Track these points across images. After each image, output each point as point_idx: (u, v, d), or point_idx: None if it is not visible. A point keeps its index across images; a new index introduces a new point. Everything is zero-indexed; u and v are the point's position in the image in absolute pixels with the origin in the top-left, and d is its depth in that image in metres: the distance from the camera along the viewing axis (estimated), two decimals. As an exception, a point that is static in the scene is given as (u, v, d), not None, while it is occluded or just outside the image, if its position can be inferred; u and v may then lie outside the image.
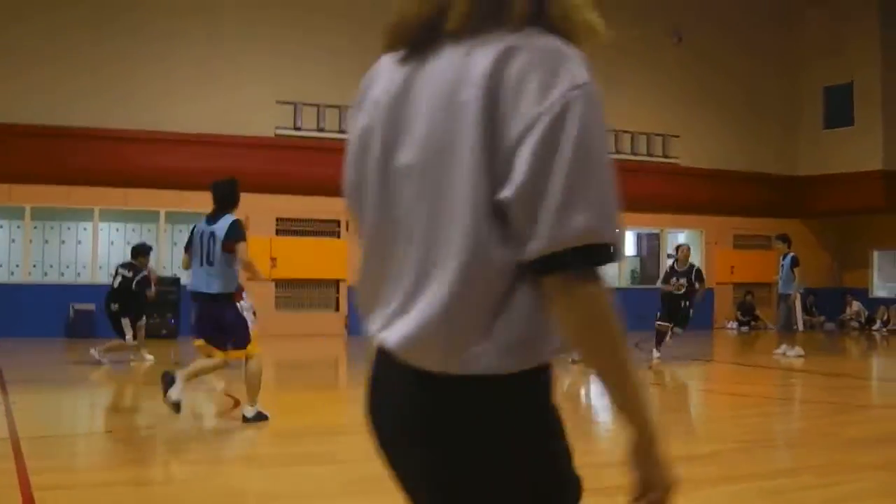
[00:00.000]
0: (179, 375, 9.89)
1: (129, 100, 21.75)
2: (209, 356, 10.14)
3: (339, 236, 23.75)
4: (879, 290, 30.41)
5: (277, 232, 23.10)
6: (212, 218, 10.11)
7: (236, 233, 9.92)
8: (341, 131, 23.63)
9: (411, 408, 2.30)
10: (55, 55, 21.19)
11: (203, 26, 22.57)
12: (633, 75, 27.47)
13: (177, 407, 9.81)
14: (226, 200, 10.31)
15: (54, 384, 13.55)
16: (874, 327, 28.00)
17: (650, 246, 29.71)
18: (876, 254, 30.78)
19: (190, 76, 22.42)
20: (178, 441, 9.66)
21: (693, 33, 28.49)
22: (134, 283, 16.29)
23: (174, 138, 21.90)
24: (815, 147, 30.25)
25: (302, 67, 23.44)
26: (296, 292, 23.29)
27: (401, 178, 2.27)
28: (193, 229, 10.27)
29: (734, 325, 27.67)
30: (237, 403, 11.30)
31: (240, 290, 10.09)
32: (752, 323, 28.07)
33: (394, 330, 2.28)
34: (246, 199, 22.09)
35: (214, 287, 9.90)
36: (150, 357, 16.29)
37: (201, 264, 9.96)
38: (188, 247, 10.27)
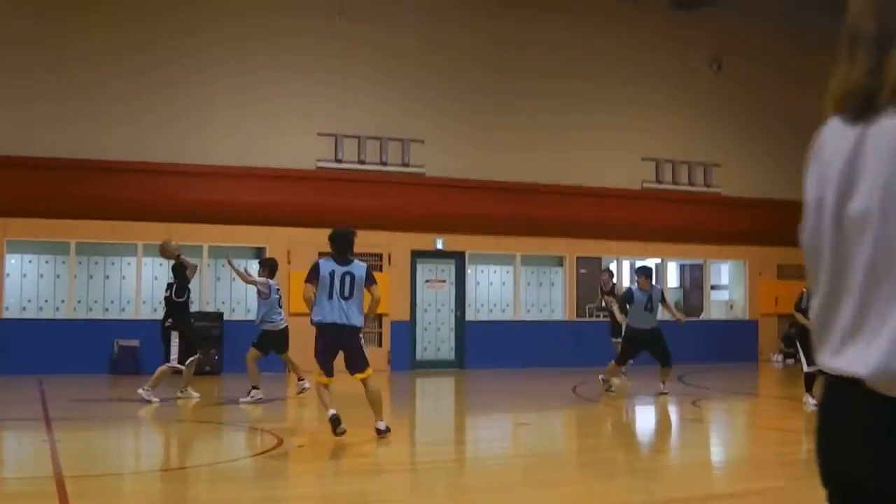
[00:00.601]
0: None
1: (170, 132, 21.91)
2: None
3: (381, 269, 23.71)
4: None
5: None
6: (344, 260, 11.96)
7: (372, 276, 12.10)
8: (382, 163, 23.72)
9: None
10: (94, 88, 21.40)
11: (243, 56, 22.72)
12: (672, 103, 27.44)
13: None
14: (350, 246, 12.40)
15: (99, 421, 13.57)
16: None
17: (693, 277, 29.49)
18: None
19: (230, 108, 22.51)
20: (224, 480, 9.63)
21: (733, 61, 28.33)
22: (173, 291, 16.30)
23: (215, 171, 21.99)
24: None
25: (341, 99, 23.51)
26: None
27: (856, 226, 2.42)
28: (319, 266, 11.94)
29: (779, 357, 27.35)
30: (280, 442, 11.27)
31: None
32: (798, 355, 27.68)
33: (861, 358, 2.36)
34: (288, 233, 22.40)
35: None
36: (195, 394, 16.25)
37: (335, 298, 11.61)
38: (314, 281, 11.76)
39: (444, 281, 24.80)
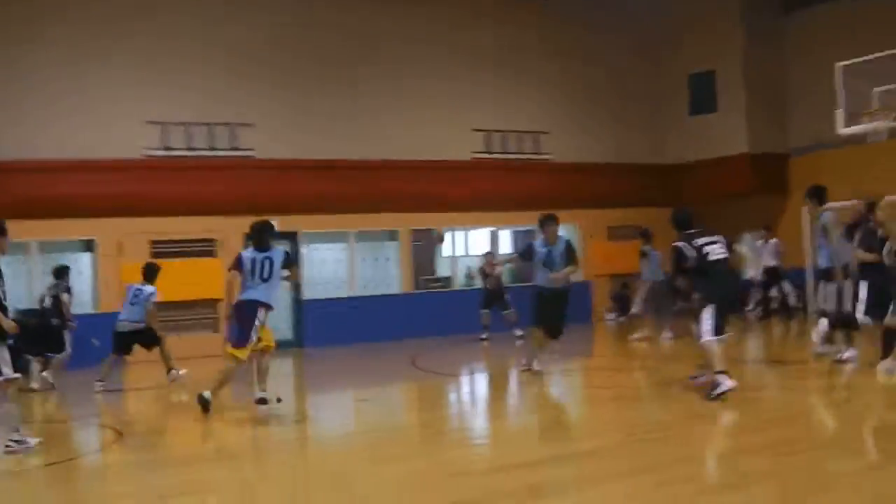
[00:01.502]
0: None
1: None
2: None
3: (215, 255, 23.46)
4: (751, 271, 31.01)
5: (153, 255, 22.66)
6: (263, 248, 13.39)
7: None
8: (211, 148, 23.42)
9: None
10: None
11: (64, 46, 22.18)
12: (501, 75, 27.75)
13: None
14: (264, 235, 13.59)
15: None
16: (748, 309, 28.54)
17: (527, 244, 29.88)
18: (747, 236, 31.38)
19: (50, 100, 21.94)
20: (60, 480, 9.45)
21: (556, 29, 28.80)
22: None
23: (37, 166, 21.43)
24: (682, 134, 30.82)
25: (168, 86, 23.12)
26: (174, 315, 22.89)
27: None
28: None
29: (613, 315, 28.03)
30: (120, 435, 11.12)
31: None
32: (629, 313, 28.41)
33: None
34: (117, 223, 21.99)
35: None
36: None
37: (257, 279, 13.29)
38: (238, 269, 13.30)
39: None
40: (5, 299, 10.68)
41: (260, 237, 13.52)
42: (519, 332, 21.43)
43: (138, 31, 22.93)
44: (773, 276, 26.06)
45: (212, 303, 23.26)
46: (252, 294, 13.31)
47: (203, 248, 23.46)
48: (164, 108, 23.02)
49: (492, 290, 23.70)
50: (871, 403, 11.84)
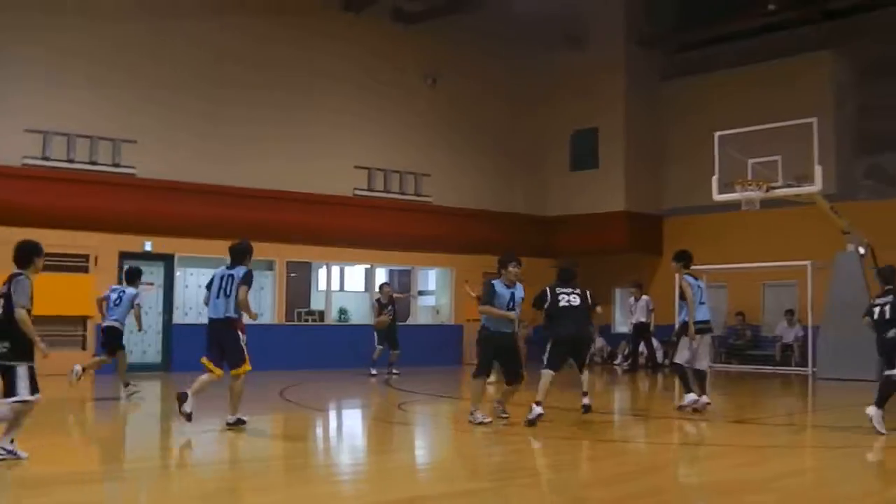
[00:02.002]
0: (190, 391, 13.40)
1: None
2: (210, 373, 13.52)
3: (87, 271, 23.12)
4: (621, 326, 31.64)
5: (22, 266, 22.24)
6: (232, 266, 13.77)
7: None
8: (92, 162, 23.12)
9: None
10: None
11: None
12: (388, 114, 28.02)
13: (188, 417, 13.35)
14: (238, 255, 14.04)
15: None
16: (616, 362, 29.10)
17: (402, 283, 30.07)
18: (618, 291, 32.02)
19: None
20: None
21: (447, 77, 29.19)
22: None
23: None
24: (562, 188, 31.38)
25: (51, 95, 22.82)
26: (42, 329, 22.33)
27: None
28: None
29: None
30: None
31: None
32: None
33: None
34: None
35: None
36: None
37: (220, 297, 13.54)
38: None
39: (152, 283, 24.40)
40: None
41: (239, 257, 13.98)
42: (396, 371, 21.72)
43: (24, 39, 22.62)
44: (642, 331, 26.53)
45: (80, 320, 22.92)
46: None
47: (76, 263, 23.12)
48: (46, 117, 22.72)
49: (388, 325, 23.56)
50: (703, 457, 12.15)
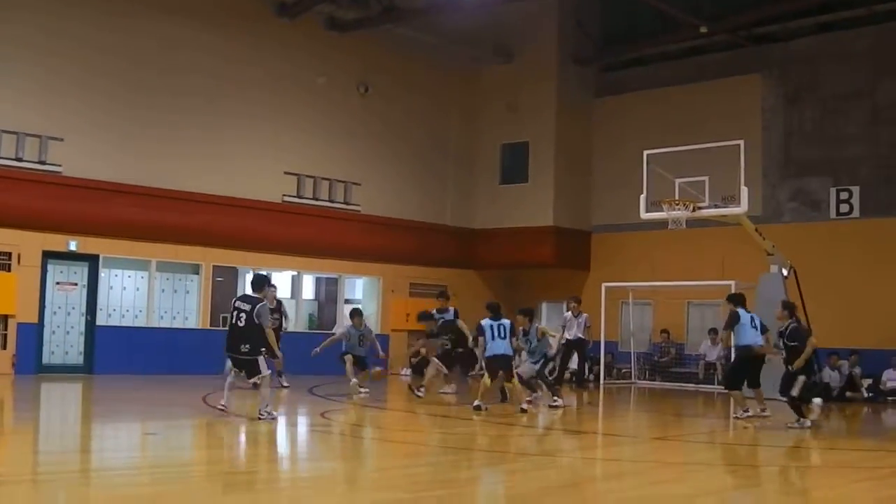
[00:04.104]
0: None
1: None
2: None
3: (9, 269, 22.76)
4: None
5: (-58, 262, 21.96)
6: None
7: None
8: (18, 159, 22.76)
9: None
10: None
11: None
12: (319, 121, 27.92)
13: None
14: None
15: None
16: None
17: (328, 291, 29.98)
18: (545, 306, 32.17)
19: None
20: None
21: (380, 86, 29.20)
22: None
23: None
24: (491, 201, 31.48)
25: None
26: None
27: None
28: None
29: (408, 371, 28.11)
30: None
31: None
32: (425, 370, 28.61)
33: None
34: None
35: None
36: None
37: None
38: None
39: (75, 284, 24.12)
40: None
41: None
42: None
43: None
44: (578, 347, 26.22)
45: (1, 318, 22.57)
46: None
47: (-1, 260, 22.77)
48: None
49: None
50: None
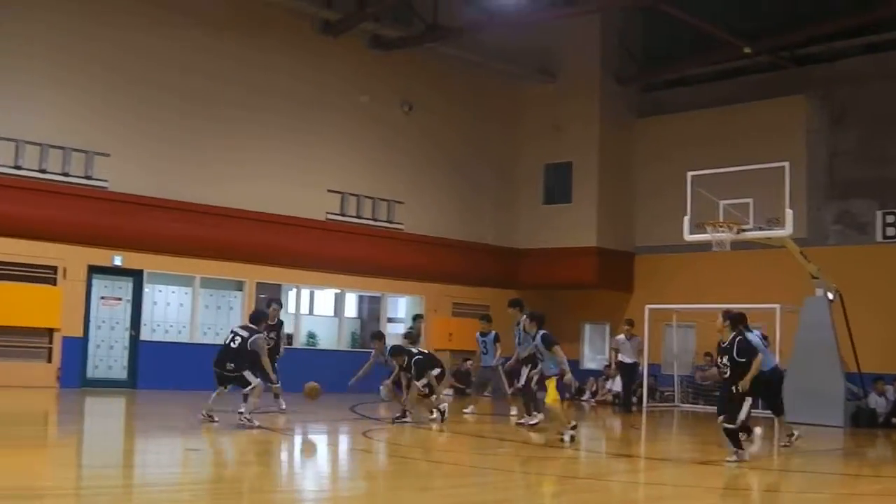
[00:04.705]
0: None
1: None
2: None
3: (55, 283, 22.96)
4: (589, 362, 31.69)
5: (-11, 275, 22.16)
6: None
7: None
8: (64, 174, 22.98)
9: None
10: None
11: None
12: (363, 140, 27.99)
13: None
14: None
15: None
16: (583, 398, 29.07)
17: (371, 309, 30.03)
18: (587, 327, 32.08)
19: None
20: None
21: (423, 104, 29.24)
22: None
23: None
24: (534, 221, 31.42)
25: (23, 103, 22.67)
26: (6, 340, 22.28)
27: None
28: None
29: (450, 392, 28.06)
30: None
31: None
32: (468, 390, 28.58)
33: None
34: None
35: None
36: None
37: None
38: None
39: (120, 299, 24.29)
40: None
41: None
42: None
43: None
44: (630, 371, 26.03)
45: (46, 332, 22.76)
46: None
47: (43, 274, 22.94)
48: (20, 126, 22.55)
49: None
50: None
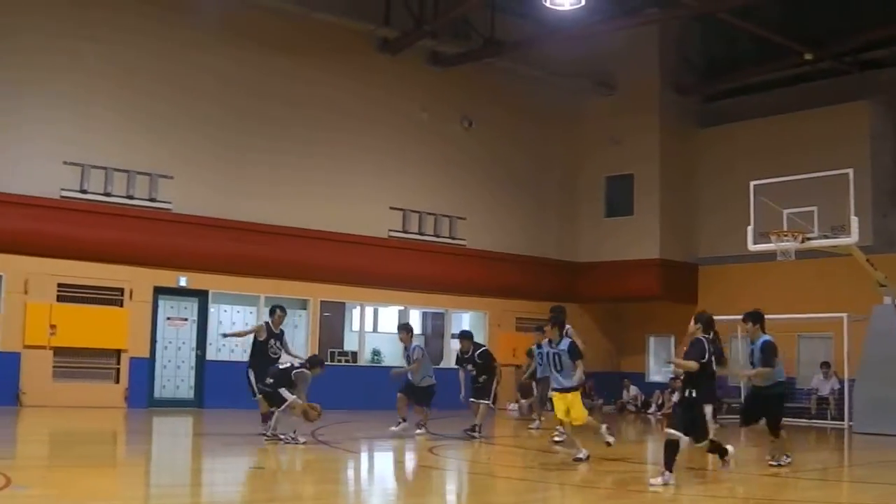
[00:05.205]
0: None
1: None
2: None
3: (122, 305, 23.23)
4: (654, 375, 31.50)
5: (59, 298, 22.43)
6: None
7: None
8: (129, 196, 23.28)
9: None
10: None
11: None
12: (423, 156, 28.07)
13: None
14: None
15: None
16: (650, 411, 28.91)
17: (435, 325, 30.05)
18: (652, 339, 31.89)
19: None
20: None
21: (483, 119, 29.27)
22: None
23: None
24: (595, 234, 31.31)
25: (89, 128, 23.00)
26: (75, 361, 22.59)
27: None
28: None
29: (515, 406, 28.02)
30: (7, 481, 10.89)
31: None
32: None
33: None
34: (26, 262, 21.71)
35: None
36: None
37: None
38: None
39: (185, 319, 24.52)
40: None
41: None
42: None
43: (64, 72, 22.83)
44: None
45: (114, 353, 23.01)
46: None
47: (110, 296, 23.23)
48: (85, 150, 22.87)
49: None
50: None
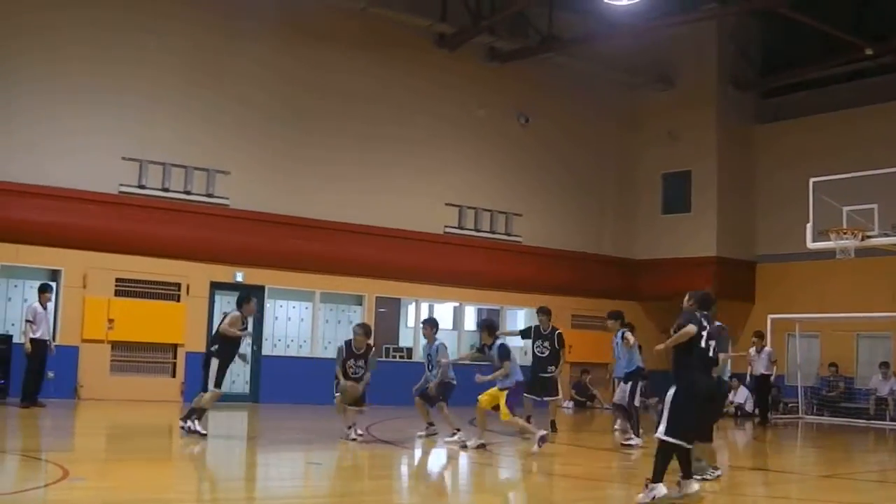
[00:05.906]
0: None
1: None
2: None
3: (178, 300, 23.38)
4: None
5: (117, 293, 22.62)
6: None
7: None
8: (186, 192, 23.44)
9: None
10: None
11: (46, 72, 22.14)
12: (480, 152, 28.02)
13: None
14: None
15: None
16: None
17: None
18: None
19: (28, 125, 21.84)
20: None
21: (540, 115, 29.16)
22: None
23: (9, 188, 21.28)
24: (652, 232, 31.10)
25: (147, 123, 23.17)
26: (132, 355, 22.79)
27: None
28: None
29: (570, 404, 27.95)
30: (65, 473, 10.98)
31: None
32: (588, 403, 28.52)
33: None
34: (84, 256, 21.91)
35: None
36: None
37: None
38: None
39: (241, 314, 24.58)
40: None
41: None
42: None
43: (122, 67, 22.98)
44: (762, 383, 25.69)
45: (170, 347, 23.17)
46: None
47: (167, 291, 23.38)
48: (143, 146, 23.05)
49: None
50: None
